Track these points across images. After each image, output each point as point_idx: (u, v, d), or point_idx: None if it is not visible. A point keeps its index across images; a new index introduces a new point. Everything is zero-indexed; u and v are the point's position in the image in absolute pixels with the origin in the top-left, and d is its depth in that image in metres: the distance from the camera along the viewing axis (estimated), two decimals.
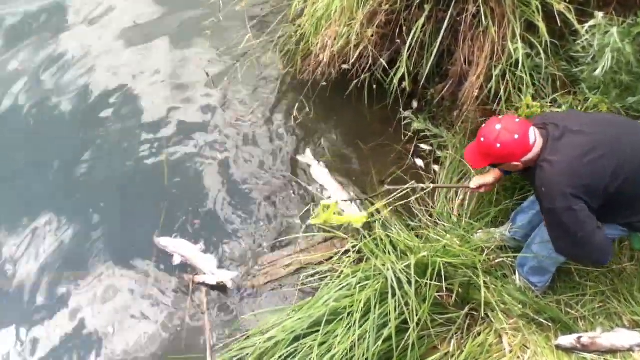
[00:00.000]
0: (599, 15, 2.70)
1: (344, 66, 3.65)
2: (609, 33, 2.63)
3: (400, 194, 3.20)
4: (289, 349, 2.67)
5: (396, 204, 3.26)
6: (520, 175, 2.79)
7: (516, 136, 2.35)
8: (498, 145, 2.38)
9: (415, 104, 3.90)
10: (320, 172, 3.84)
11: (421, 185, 3.24)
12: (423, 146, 3.81)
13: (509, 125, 2.38)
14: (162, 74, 4.52)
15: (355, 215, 3.33)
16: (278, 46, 4.26)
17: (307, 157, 3.96)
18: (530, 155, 2.39)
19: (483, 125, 2.50)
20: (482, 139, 2.44)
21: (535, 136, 2.39)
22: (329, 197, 3.62)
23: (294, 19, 4.08)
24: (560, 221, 2.35)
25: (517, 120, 2.41)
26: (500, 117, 2.48)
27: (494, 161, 2.50)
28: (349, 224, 3.32)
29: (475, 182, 2.97)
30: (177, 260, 3.46)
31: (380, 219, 3.05)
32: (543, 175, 2.36)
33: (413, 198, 3.35)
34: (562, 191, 2.29)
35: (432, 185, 3.28)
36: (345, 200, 3.55)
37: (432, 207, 3.43)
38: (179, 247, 3.49)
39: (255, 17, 4.48)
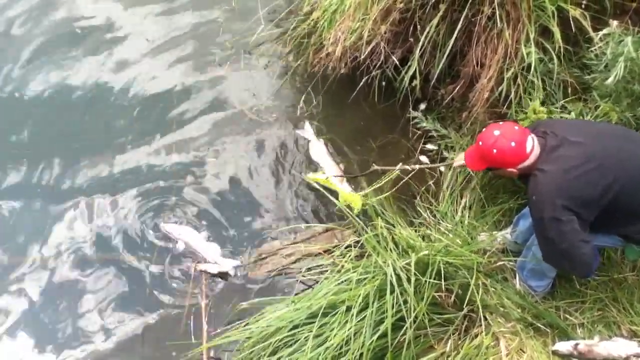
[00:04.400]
0: (614, 23, 2.70)
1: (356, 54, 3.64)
2: (623, 42, 2.63)
3: (389, 178, 3.29)
4: (284, 338, 2.69)
5: (390, 192, 3.26)
6: (520, 182, 2.80)
7: (513, 144, 2.38)
8: (494, 150, 2.41)
9: (423, 106, 3.89)
10: (318, 149, 3.86)
11: (407, 166, 3.36)
12: (429, 146, 3.80)
13: (507, 132, 2.41)
14: (172, 60, 4.51)
15: (352, 195, 3.35)
16: (290, 38, 4.25)
17: (306, 131, 3.98)
18: (526, 163, 2.42)
19: (483, 129, 2.53)
20: (480, 143, 2.48)
21: (533, 145, 2.41)
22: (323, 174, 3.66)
23: (307, 11, 4.07)
24: (546, 231, 2.38)
25: (517, 127, 2.44)
26: (500, 122, 2.52)
27: (490, 165, 2.54)
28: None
29: (458, 161, 3.05)
30: (180, 247, 3.48)
31: (373, 203, 3.05)
32: (534, 185, 2.39)
33: (397, 180, 3.36)
34: (551, 201, 2.31)
35: (417, 167, 3.39)
36: (337, 176, 3.59)
37: (435, 206, 3.43)
38: (184, 234, 3.50)
39: (269, 7, 4.46)
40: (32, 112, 4.21)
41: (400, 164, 3.41)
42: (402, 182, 3.39)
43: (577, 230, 2.34)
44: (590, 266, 2.47)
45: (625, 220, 2.43)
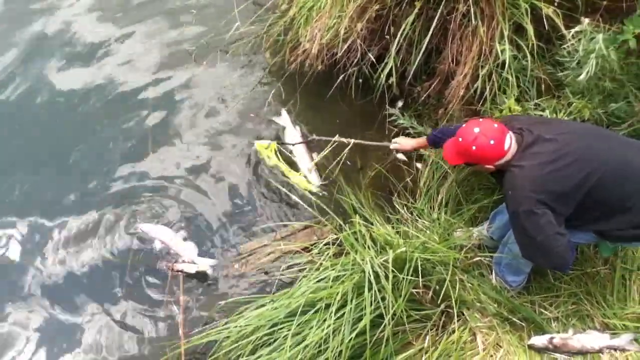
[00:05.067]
0: (585, 21, 2.73)
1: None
2: (594, 39, 2.66)
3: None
4: (264, 336, 2.69)
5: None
6: (493, 177, 2.84)
7: (492, 142, 2.41)
8: (474, 147, 2.45)
9: (400, 103, 3.89)
10: (293, 136, 3.90)
11: (344, 139, 3.57)
12: None
13: (486, 130, 2.44)
14: (146, 58, 4.46)
15: (301, 180, 3.65)
16: (267, 35, 4.23)
17: (283, 118, 4.01)
18: (503, 160, 2.46)
19: (463, 125, 2.55)
20: (460, 139, 2.51)
21: (510, 142, 2.46)
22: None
23: (284, 9, 4.05)
24: (522, 225, 2.42)
25: (496, 125, 2.47)
26: (480, 119, 2.54)
27: (467, 161, 2.57)
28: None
29: (394, 145, 3.39)
30: (157, 247, 3.44)
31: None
32: (511, 180, 2.43)
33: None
34: (526, 196, 2.36)
35: (353, 141, 3.59)
36: (282, 144, 3.79)
37: (412, 203, 3.44)
38: (160, 234, 3.47)
39: (245, 3, 4.43)
40: None
41: (337, 135, 3.60)
42: (373, 168, 3.42)
43: (552, 223, 2.38)
44: (566, 259, 2.51)
45: (600, 216, 2.48)
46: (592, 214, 2.45)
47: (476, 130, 2.45)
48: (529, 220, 2.38)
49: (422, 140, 3.23)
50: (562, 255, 2.46)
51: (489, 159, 2.46)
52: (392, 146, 3.35)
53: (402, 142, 3.36)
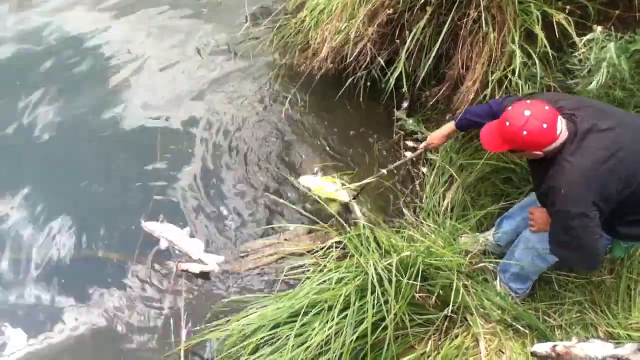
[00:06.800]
0: (597, 29, 2.71)
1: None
2: (605, 48, 2.65)
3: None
4: (266, 335, 2.69)
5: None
6: (529, 164, 2.66)
7: (545, 125, 2.25)
8: (524, 132, 2.27)
9: (406, 104, 3.88)
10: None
11: (383, 170, 3.56)
12: (411, 143, 3.81)
13: (538, 114, 2.27)
14: (154, 55, 4.48)
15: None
16: (276, 36, 4.24)
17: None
18: (553, 146, 2.31)
19: (509, 108, 2.38)
20: (508, 123, 2.33)
21: (562, 127, 2.30)
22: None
23: (294, 9, 4.06)
24: (569, 225, 2.31)
25: (547, 107, 2.30)
26: (528, 101, 2.37)
27: (514, 147, 2.40)
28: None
29: (430, 145, 3.22)
30: (163, 245, 3.45)
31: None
32: (563, 177, 2.28)
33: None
34: (583, 197, 2.24)
35: (391, 167, 3.61)
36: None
37: (421, 206, 3.44)
38: (166, 232, 3.47)
39: (256, 4, 4.44)
40: None
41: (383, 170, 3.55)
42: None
43: (599, 226, 2.29)
44: (599, 261, 2.45)
45: (620, 217, 2.42)
46: (615, 212, 2.38)
47: (527, 113, 2.27)
48: (580, 221, 2.27)
49: (449, 127, 3.05)
50: (600, 257, 2.40)
51: (540, 144, 2.29)
52: (422, 144, 3.24)
53: (433, 139, 3.16)
